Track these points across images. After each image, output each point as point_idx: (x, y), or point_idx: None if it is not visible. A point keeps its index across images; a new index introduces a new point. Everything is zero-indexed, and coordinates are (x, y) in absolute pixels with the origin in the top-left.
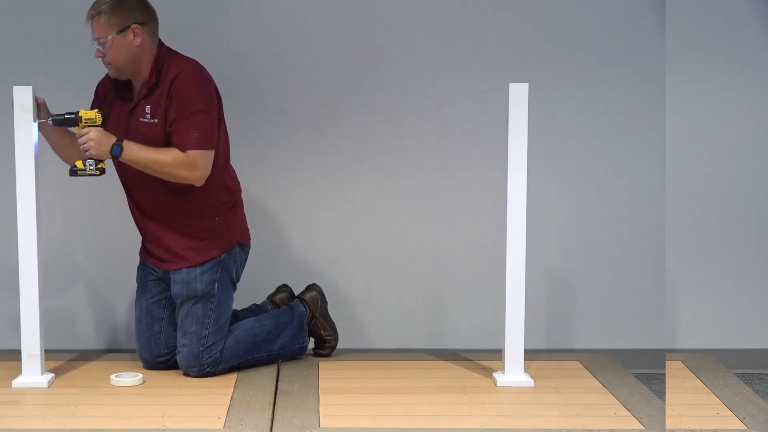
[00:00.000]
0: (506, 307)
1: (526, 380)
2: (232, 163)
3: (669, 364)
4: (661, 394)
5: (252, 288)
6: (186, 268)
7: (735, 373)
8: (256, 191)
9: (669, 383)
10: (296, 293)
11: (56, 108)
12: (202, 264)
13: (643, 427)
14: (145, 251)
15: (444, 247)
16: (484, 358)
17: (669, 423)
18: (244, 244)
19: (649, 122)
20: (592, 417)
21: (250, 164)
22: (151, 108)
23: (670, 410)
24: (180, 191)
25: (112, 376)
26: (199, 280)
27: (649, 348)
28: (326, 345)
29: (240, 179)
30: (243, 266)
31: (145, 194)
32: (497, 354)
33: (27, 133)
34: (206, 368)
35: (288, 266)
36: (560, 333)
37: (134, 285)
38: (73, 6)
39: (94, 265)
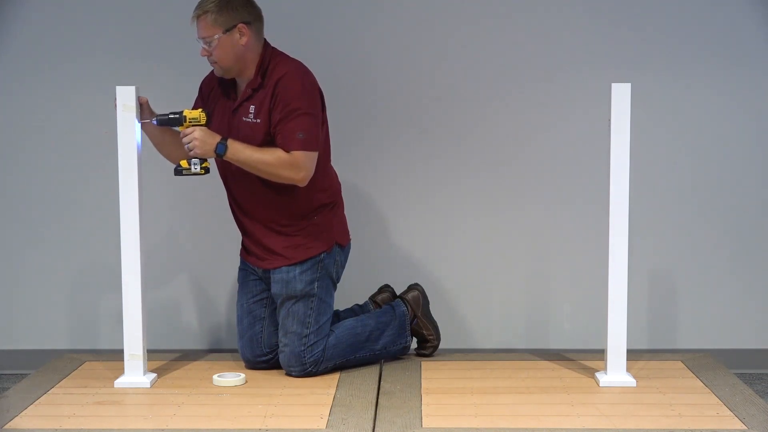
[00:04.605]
0: (608, 307)
1: (629, 380)
2: (337, 161)
3: (669, 364)
4: (764, 394)
5: (354, 288)
6: (285, 266)
7: (735, 373)
8: (360, 191)
9: (669, 383)
10: (398, 293)
11: (159, 108)
12: (301, 263)
13: (746, 427)
14: (244, 250)
15: (546, 247)
16: (586, 359)
17: (669, 423)
18: (343, 245)
19: (749, 121)
20: (694, 417)
21: (354, 164)
22: (254, 108)
23: (670, 410)
24: (280, 190)
25: (215, 376)
26: (298, 279)
27: (751, 348)
28: (428, 345)
29: (344, 179)
30: (343, 267)
31: (245, 192)
32: (599, 354)
33: (130, 132)
34: (308, 368)
35: (390, 266)
36: (662, 333)
37: (237, 284)
38: (177, 5)
39: (197, 264)
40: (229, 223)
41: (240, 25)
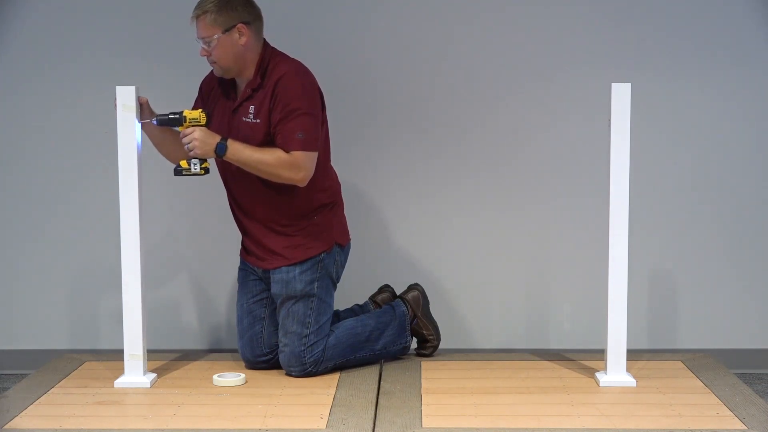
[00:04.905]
0: (608, 307)
1: (629, 380)
2: (337, 161)
3: (669, 364)
4: (764, 394)
5: (354, 288)
6: (285, 266)
7: (735, 373)
8: (360, 191)
9: (669, 383)
10: (398, 294)
11: (159, 108)
12: (301, 263)
13: (746, 427)
14: (244, 250)
15: (546, 247)
16: (586, 359)
17: (669, 423)
18: (343, 245)
19: (749, 121)
20: (694, 417)
21: (354, 164)
22: (254, 108)
23: (670, 410)
24: (280, 190)
25: (215, 376)
26: (298, 279)
27: (751, 348)
28: (428, 345)
29: (344, 179)
30: (343, 267)
31: (245, 192)
32: (599, 354)
33: (130, 132)
34: (308, 368)
35: (390, 266)
36: (662, 333)
37: (237, 284)
38: (177, 5)
39: (197, 264)
40: (229, 223)
41: (239, 25)
